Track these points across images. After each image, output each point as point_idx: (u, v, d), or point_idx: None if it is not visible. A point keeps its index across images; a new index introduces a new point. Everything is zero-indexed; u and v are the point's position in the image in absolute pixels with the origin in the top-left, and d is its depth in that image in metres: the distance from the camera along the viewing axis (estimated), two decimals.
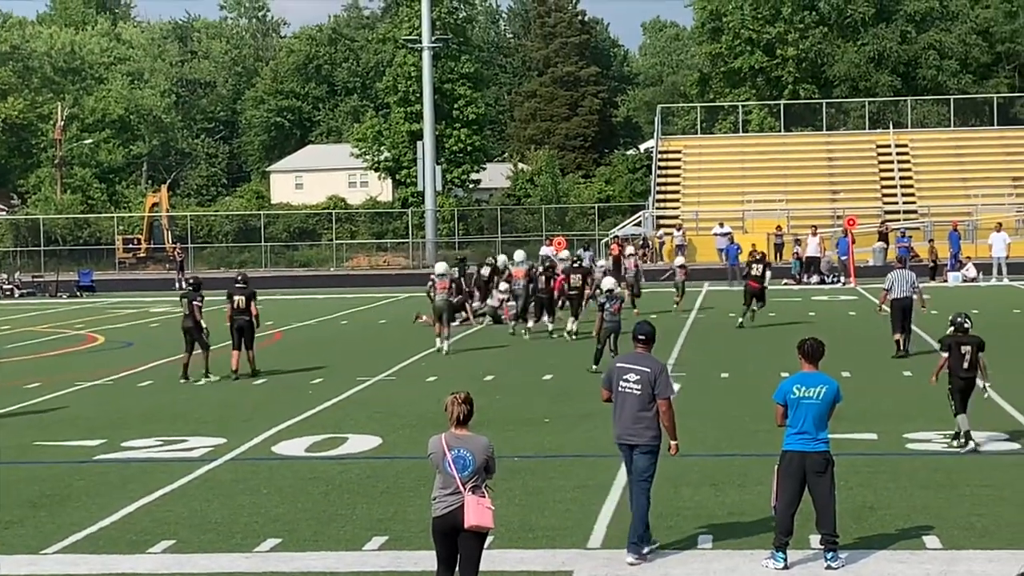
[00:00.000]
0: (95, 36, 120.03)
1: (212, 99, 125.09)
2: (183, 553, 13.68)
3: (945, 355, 18.15)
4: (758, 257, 36.36)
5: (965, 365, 17.96)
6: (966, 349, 17.98)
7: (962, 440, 17.91)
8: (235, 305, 27.39)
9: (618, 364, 13.42)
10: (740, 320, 35.41)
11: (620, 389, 13.17)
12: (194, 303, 27.04)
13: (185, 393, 25.68)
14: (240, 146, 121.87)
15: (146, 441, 20.11)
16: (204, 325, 27.13)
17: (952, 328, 18.44)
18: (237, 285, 27.87)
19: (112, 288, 62.71)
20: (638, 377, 13.08)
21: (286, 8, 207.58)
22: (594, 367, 26.82)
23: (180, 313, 27.92)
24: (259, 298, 28.55)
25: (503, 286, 38.06)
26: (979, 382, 18.23)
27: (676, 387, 13.70)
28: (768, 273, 35.85)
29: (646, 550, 13.04)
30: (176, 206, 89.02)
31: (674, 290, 41.34)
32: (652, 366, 13.15)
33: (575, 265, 36.39)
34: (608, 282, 28.57)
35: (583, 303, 34.12)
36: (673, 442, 13.20)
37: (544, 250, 47.01)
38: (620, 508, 14.97)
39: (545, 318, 35.05)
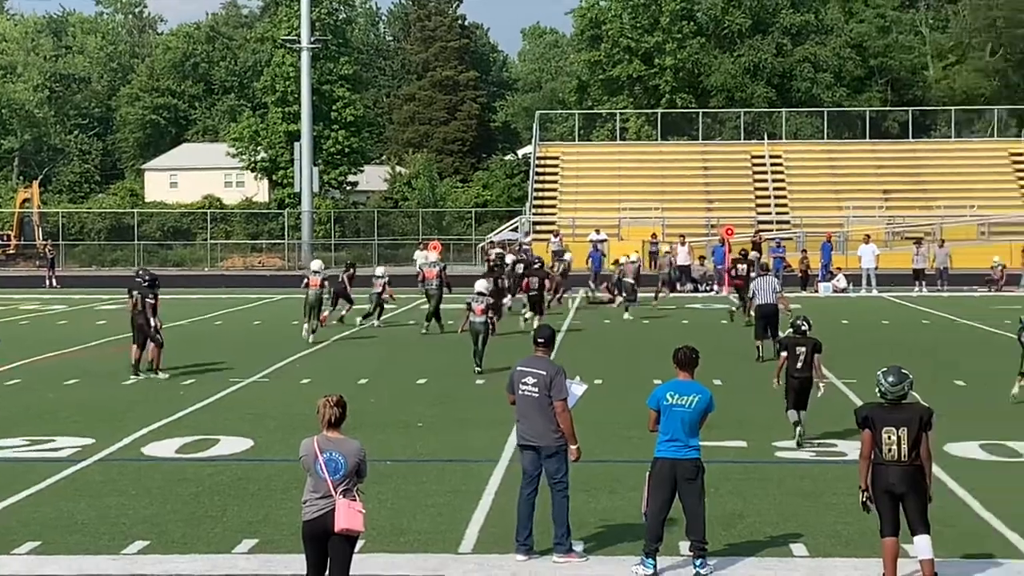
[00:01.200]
0: None
1: (86, 95, 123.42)
2: (49, 554, 13.46)
3: (784, 355, 19.20)
4: (742, 256, 40.38)
5: (799, 365, 18.97)
6: (801, 350, 18.99)
7: (795, 435, 19.02)
8: (135, 301, 27.27)
9: (518, 368, 13.59)
10: (731, 311, 38.56)
11: (520, 392, 13.38)
12: (147, 300, 26.88)
13: (53, 392, 25.28)
14: (114, 143, 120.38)
15: (12, 441, 19.77)
16: (155, 323, 26.97)
17: (791, 330, 19.56)
18: (138, 281, 27.87)
19: None
20: (535, 380, 13.28)
21: (163, 5, 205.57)
22: (476, 369, 27.25)
23: (124, 306, 27.65)
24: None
25: (380, 271, 38.77)
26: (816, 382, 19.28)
27: (584, 388, 13.76)
28: (752, 273, 37.74)
29: (521, 557, 13.11)
30: (48, 202, 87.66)
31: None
32: (547, 369, 13.33)
33: (535, 267, 38.85)
34: (481, 284, 28.86)
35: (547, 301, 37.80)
36: (573, 446, 13.31)
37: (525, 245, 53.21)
38: (492, 513, 15.00)
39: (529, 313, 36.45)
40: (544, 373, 13.29)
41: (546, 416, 13.23)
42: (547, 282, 38.26)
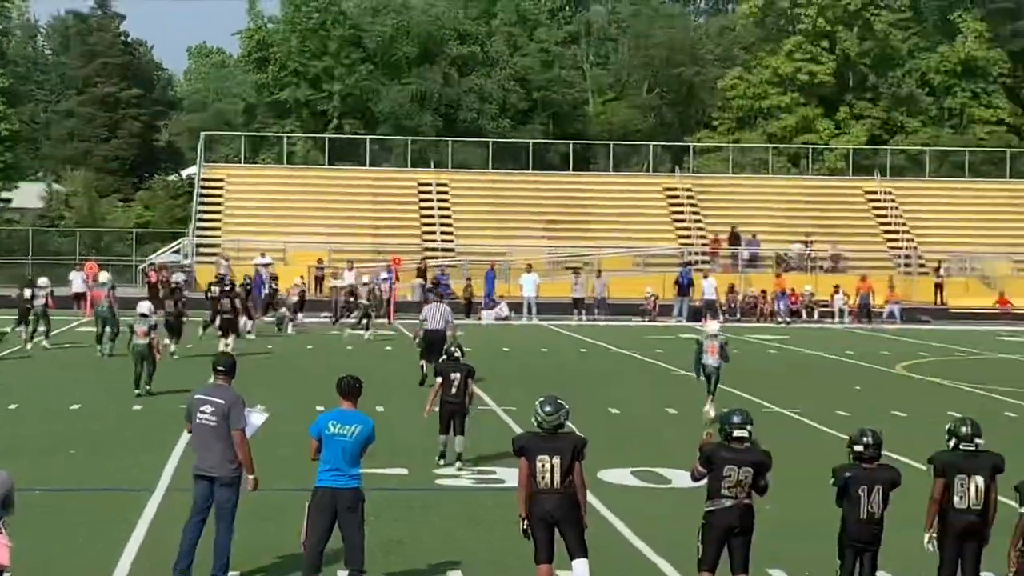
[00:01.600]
0: None
1: None
2: None
3: (439, 380, 20.01)
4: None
5: (453, 391, 19.82)
6: (455, 376, 19.85)
7: (441, 460, 19.89)
8: None
9: (196, 396, 13.41)
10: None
11: (198, 421, 13.20)
12: None
13: None
14: None
15: None
16: None
17: (444, 356, 20.61)
18: None
19: None
20: (213, 408, 13.11)
21: None
22: (136, 393, 26.93)
23: None
24: None
25: (43, 282, 38.20)
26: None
27: (264, 416, 13.59)
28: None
29: None
30: None
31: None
32: (227, 397, 13.18)
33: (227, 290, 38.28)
34: (143, 306, 28.69)
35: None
36: (251, 476, 13.23)
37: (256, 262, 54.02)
38: (147, 543, 14.70)
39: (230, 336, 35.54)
40: (223, 402, 13.12)
41: (224, 445, 13.07)
42: (238, 303, 37.90)
